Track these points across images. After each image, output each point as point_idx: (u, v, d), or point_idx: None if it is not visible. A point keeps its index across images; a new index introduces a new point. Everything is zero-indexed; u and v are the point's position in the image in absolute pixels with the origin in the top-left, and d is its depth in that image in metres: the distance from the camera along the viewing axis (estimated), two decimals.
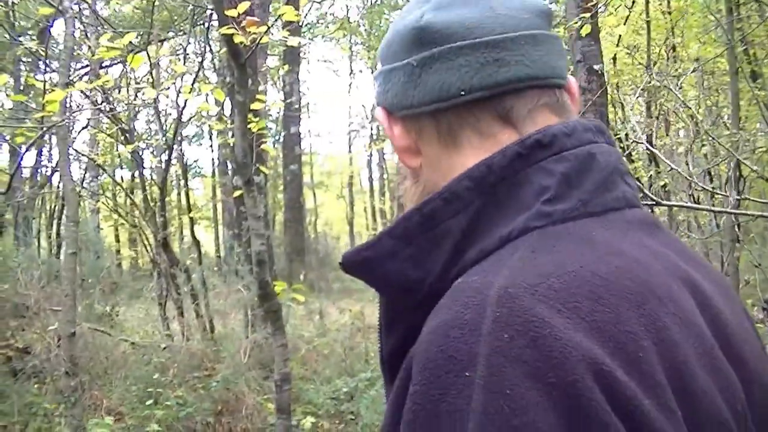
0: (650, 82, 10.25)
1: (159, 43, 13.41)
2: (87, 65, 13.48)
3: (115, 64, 15.44)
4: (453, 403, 0.88)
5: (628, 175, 1.17)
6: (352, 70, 36.95)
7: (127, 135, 11.11)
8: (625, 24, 13.78)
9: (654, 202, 4.29)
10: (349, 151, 39.97)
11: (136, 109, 12.27)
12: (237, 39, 5.19)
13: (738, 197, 5.73)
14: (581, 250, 1.01)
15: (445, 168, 1.18)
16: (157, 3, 12.63)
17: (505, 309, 0.91)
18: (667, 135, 11.83)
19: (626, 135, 11.39)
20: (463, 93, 1.14)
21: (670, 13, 14.81)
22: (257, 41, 5.36)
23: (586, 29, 6.38)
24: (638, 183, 5.46)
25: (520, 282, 0.94)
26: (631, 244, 1.06)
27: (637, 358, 0.91)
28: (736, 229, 8.77)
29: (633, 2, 13.70)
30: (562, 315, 0.91)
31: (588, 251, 1.01)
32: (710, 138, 9.38)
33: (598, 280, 0.96)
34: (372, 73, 33.87)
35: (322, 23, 29.34)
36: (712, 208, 6.34)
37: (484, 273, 1.00)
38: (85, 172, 17.45)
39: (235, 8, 5.19)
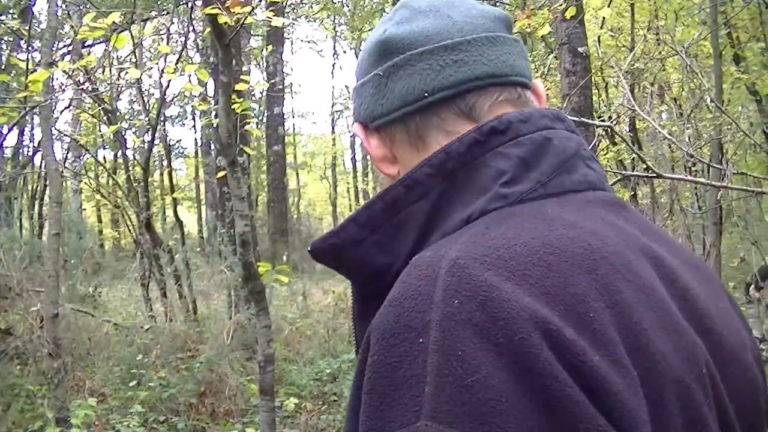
0: (633, 65, 10.26)
1: (142, 23, 13.34)
2: (69, 44, 13.41)
3: (98, 43, 15.38)
4: (409, 368, 0.91)
5: (592, 159, 1.20)
6: (335, 51, 36.89)
7: (110, 115, 11.07)
8: (609, 6, 13.78)
9: (655, 174, 4.28)
10: (333, 132, 39.93)
11: (119, 89, 12.20)
12: (221, 19, 5.16)
13: (733, 171, 5.73)
14: (533, 224, 1.04)
15: None
16: None
17: (455, 278, 0.94)
18: (662, 103, 11.84)
19: (609, 117, 11.40)
20: (426, 95, 1.19)
21: None
22: (241, 21, 5.33)
23: (571, 12, 6.37)
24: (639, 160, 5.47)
25: (471, 254, 0.98)
26: (587, 218, 1.09)
27: (587, 318, 0.94)
28: (718, 212, 8.81)
29: None
30: (511, 281, 0.94)
31: (540, 224, 1.04)
32: (693, 120, 9.41)
33: (548, 249, 0.99)
34: (355, 53, 33.84)
35: (306, 3, 29.23)
36: (710, 182, 6.32)
37: (437, 248, 1.03)
38: (68, 152, 17.41)
39: None
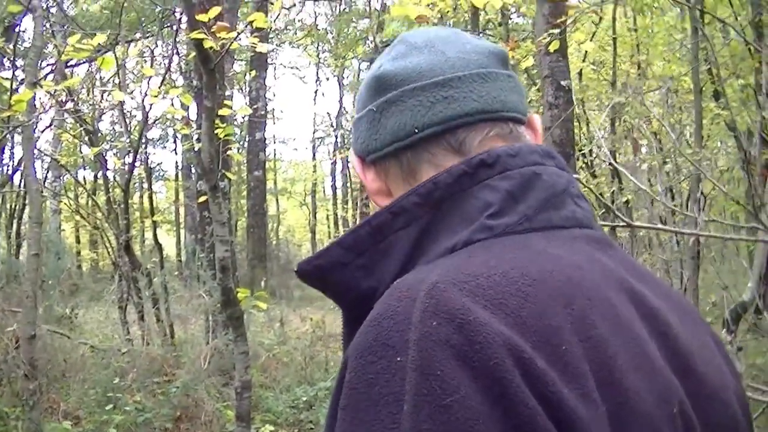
0: (615, 98, 10.32)
1: (126, 44, 13.34)
2: (52, 64, 13.39)
3: (81, 64, 15.36)
4: (386, 386, 0.93)
5: (581, 198, 1.22)
6: (318, 78, 36.98)
7: (92, 136, 11.04)
8: (591, 40, 13.88)
9: (625, 224, 4.30)
10: (314, 159, 39.91)
11: (102, 110, 12.18)
12: (207, 44, 5.18)
13: (705, 219, 5.77)
14: (515, 255, 1.06)
15: None
16: (125, 4, 12.56)
17: (434, 300, 0.96)
18: (635, 155, 11.93)
19: (590, 151, 11.47)
20: (416, 131, 1.22)
21: (636, 30, 14.95)
22: (227, 47, 5.35)
23: (555, 45, 6.41)
24: (603, 201, 5.49)
25: (451, 279, 0.99)
26: (571, 253, 1.10)
27: (560, 350, 0.96)
28: (697, 247, 8.84)
29: (600, 19, 13.79)
30: (487, 309, 0.96)
31: (522, 256, 1.06)
32: (673, 155, 9.46)
33: (527, 280, 1.01)
34: (338, 80, 33.88)
35: (290, 29, 29.31)
36: (680, 230, 6.36)
37: (419, 272, 1.06)
38: (48, 172, 17.34)
39: (206, 13, 5.18)
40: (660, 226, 7.15)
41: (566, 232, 1.16)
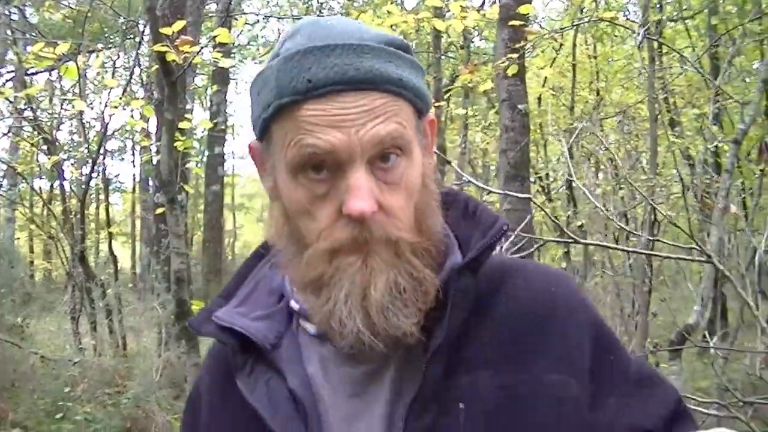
0: (572, 124, 10.46)
1: (88, 54, 13.31)
2: (13, 71, 13.32)
3: (41, 72, 15.28)
4: None
5: None
6: None
7: (50, 145, 11.00)
8: (551, 66, 14.04)
9: (572, 240, 4.38)
10: None
11: (61, 119, 12.14)
12: (170, 57, 5.22)
13: (651, 238, 5.88)
14: None
15: None
16: (89, 14, 12.54)
17: None
18: (597, 177, 12.10)
19: (546, 174, 11.61)
20: None
21: (595, 58, 15.15)
22: (189, 61, 5.39)
23: (513, 69, 6.49)
24: (557, 222, 5.59)
25: None
26: None
27: None
28: (648, 271, 8.97)
29: (561, 45, 13.97)
30: None
31: None
32: (628, 182, 9.59)
33: None
34: None
35: (253, 45, 29.30)
36: (626, 248, 6.48)
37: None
38: (3, 180, 17.19)
39: (170, 26, 5.21)
40: (609, 244, 7.26)
41: None
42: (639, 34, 6.39)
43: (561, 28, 10.86)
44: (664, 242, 5.26)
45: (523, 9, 5.85)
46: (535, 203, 5.20)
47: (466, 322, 1.28)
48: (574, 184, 12.40)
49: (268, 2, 27.34)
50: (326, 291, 1.24)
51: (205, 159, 22.87)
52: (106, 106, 11.34)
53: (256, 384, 1.29)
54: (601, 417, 1.29)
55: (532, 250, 4.49)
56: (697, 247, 3.89)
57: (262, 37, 29.70)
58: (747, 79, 9.42)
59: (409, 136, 1.26)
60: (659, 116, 11.00)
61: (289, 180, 1.26)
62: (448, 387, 1.25)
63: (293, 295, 1.37)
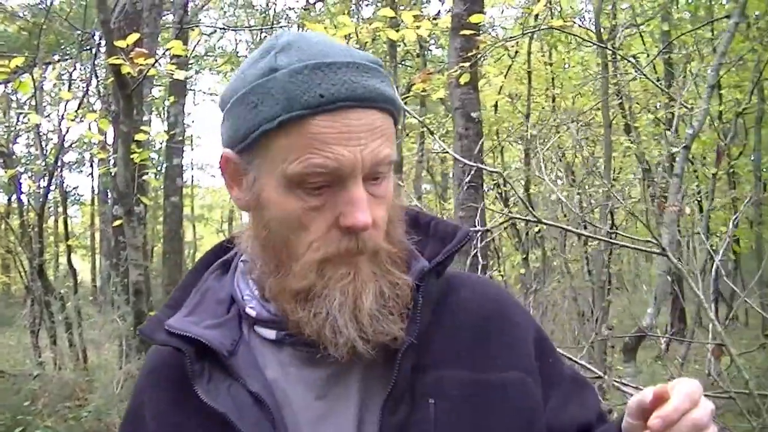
0: (527, 131, 10.55)
1: (44, 67, 13.24)
2: None
3: None
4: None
5: None
6: None
7: (6, 158, 10.94)
8: (506, 76, 14.14)
9: (536, 220, 4.45)
10: None
11: (17, 132, 12.07)
12: (124, 69, 5.23)
13: (610, 231, 5.97)
14: None
15: None
16: (44, 26, 12.48)
17: None
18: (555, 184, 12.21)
19: (504, 181, 11.68)
20: None
21: (551, 65, 15.27)
22: (144, 73, 5.40)
23: (465, 78, 6.53)
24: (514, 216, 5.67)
25: None
26: None
27: None
28: (607, 276, 9.08)
29: (516, 53, 14.08)
30: None
31: None
32: (584, 186, 9.71)
33: None
34: None
35: (210, 56, 29.21)
36: (588, 233, 6.56)
37: None
38: None
39: (125, 39, 5.23)
40: (569, 227, 7.33)
41: None
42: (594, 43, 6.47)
43: (511, 37, 10.94)
44: (624, 235, 5.35)
45: (474, 18, 5.90)
46: (493, 210, 5.26)
47: (428, 323, 1.34)
48: (531, 190, 12.54)
49: (225, 13, 27.31)
50: (318, 301, 1.28)
51: (163, 170, 22.76)
52: (62, 118, 11.29)
53: (218, 391, 1.31)
54: (548, 412, 1.42)
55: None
56: (654, 240, 3.98)
57: (219, 47, 29.65)
58: (697, 85, 9.55)
59: (395, 155, 1.32)
60: (613, 121, 11.12)
61: (282, 192, 1.27)
62: (417, 384, 1.31)
63: (251, 302, 1.39)
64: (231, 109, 1.32)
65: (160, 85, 24.02)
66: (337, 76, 1.24)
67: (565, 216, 11.16)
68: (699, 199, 12.37)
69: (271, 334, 1.37)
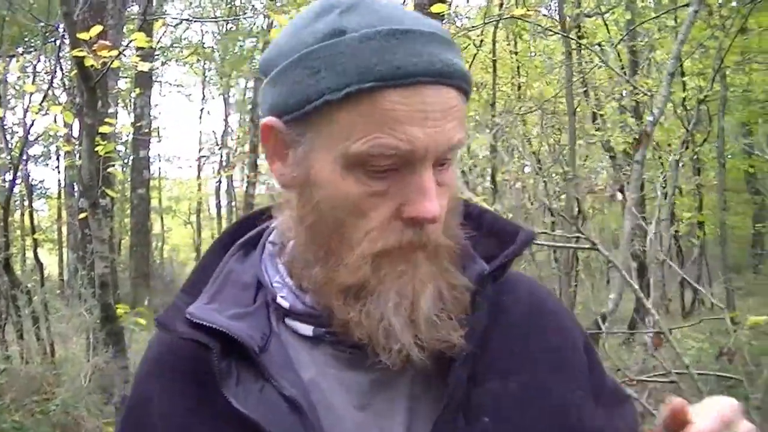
0: (494, 118, 10.59)
1: (8, 59, 13.15)
2: None
3: None
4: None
5: None
6: (204, 96, 36.57)
7: None
8: (471, 66, 14.18)
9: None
10: (198, 177, 39.43)
11: None
12: (88, 62, 5.22)
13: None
14: None
15: None
16: (7, 18, 12.40)
17: None
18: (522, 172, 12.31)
19: (470, 168, 11.74)
20: None
21: (516, 53, 15.33)
22: (108, 65, 5.40)
23: None
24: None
25: None
26: None
27: None
28: (572, 263, 9.17)
29: (481, 42, 14.14)
30: None
31: None
32: (550, 174, 9.77)
33: None
34: (224, 98, 33.61)
35: (176, 47, 29.09)
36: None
37: None
38: None
39: (88, 31, 5.22)
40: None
41: None
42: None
43: (472, 26, 10.97)
44: (546, 233, 5.41)
45: (435, 8, 5.92)
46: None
47: (484, 329, 1.23)
48: (498, 179, 12.61)
49: (191, 3, 27.18)
50: (371, 300, 1.15)
51: (130, 162, 22.66)
52: (27, 111, 11.23)
53: (248, 393, 1.17)
54: (596, 425, 1.28)
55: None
56: (581, 234, 4.04)
57: (185, 39, 29.53)
58: (660, 73, 9.65)
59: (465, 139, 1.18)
60: (577, 109, 11.20)
61: (340, 172, 1.14)
62: (472, 396, 1.19)
63: (281, 290, 1.26)
64: (283, 72, 1.18)
65: (126, 77, 23.92)
66: (414, 46, 1.11)
67: (532, 204, 11.23)
68: (665, 187, 12.51)
69: (307, 329, 1.23)
